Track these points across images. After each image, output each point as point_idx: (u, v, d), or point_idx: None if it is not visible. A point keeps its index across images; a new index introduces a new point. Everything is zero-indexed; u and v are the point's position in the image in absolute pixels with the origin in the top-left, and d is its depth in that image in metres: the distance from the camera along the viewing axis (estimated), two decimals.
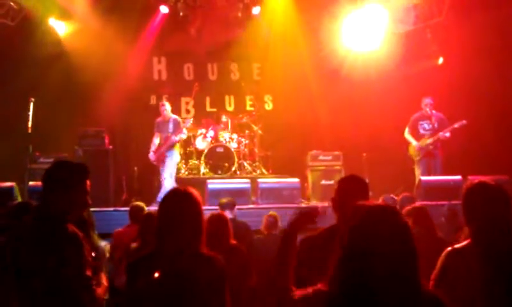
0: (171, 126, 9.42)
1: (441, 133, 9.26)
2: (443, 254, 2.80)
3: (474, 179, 3.01)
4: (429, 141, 9.33)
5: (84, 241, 2.79)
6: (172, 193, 2.77)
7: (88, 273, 2.76)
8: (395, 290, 1.87)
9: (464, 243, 2.78)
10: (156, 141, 9.48)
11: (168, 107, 9.62)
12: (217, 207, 6.36)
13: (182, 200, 2.70)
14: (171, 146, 9.37)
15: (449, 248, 2.81)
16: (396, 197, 6.74)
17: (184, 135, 9.59)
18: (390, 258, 1.89)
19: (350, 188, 3.15)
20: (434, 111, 9.44)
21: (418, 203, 5.34)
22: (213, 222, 4.35)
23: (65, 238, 2.73)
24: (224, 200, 6.51)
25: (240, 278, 4.18)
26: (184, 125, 9.51)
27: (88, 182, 2.98)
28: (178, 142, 9.50)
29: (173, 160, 9.41)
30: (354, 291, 1.88)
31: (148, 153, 9.52)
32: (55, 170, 2.97)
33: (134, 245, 4.56)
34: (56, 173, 2.95)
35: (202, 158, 10.53)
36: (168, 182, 9.14)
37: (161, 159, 9.36)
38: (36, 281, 2.68)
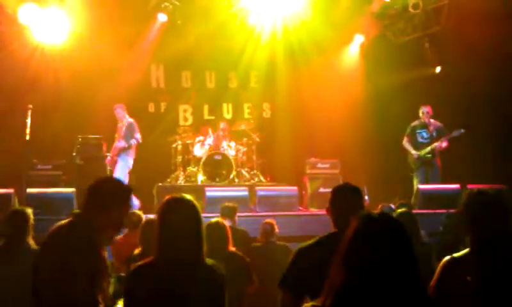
0: (123, 130, 9.49)
1: (437, 144, 9.28)
2: (442, 262, 2.80)
3: (474, 188, 3.02)
4: (427, 150, 9.35)
5: (106, 262, 2.74)
6: (170, 201, 2.70)
7: (101, 297, 2.69)
8: (394, 298, 1.87)
9: (464, 252, 2.78)
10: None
11: (119, 111, 9.62)
12: (214, 215, 6.32)
13: (180, 208, 2.66)
14: (121, 151, 9.40)
15: (448, 257, 2.80)
16: (394, 206, 6.74)
17: (133, 141, 9.46)
18: (388, 266, 1.88)
19: (343, 197, 3.16)
20: (432, 120, 9.46)
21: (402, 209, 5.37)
22: (211, 230, 4.34)
23: (94, 255, 2.67)
24: (224, 206, 6.48)
25: (241, 285, 4.16)
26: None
27: (128, 206, 2.93)
28: (126, 147, 9.42)
29: (124, 166, 9.38)
30: (351, 300, 1.88)
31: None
32: (103, 185, 2.89)
33: (136, 252, 4.55)
34: (103, 188, 2.86)
35: (200, 165, 10.51)
36: None
37: (113, 164, 9.43)
38: (52, 293, 2.61)
